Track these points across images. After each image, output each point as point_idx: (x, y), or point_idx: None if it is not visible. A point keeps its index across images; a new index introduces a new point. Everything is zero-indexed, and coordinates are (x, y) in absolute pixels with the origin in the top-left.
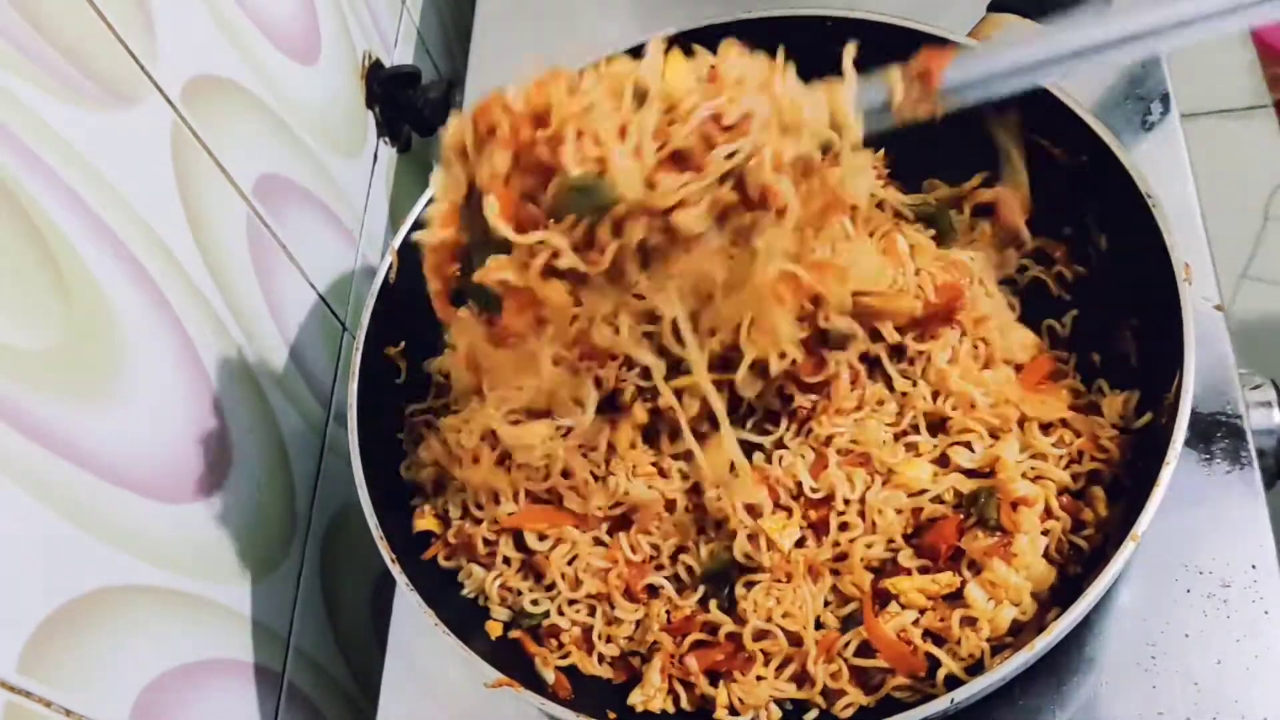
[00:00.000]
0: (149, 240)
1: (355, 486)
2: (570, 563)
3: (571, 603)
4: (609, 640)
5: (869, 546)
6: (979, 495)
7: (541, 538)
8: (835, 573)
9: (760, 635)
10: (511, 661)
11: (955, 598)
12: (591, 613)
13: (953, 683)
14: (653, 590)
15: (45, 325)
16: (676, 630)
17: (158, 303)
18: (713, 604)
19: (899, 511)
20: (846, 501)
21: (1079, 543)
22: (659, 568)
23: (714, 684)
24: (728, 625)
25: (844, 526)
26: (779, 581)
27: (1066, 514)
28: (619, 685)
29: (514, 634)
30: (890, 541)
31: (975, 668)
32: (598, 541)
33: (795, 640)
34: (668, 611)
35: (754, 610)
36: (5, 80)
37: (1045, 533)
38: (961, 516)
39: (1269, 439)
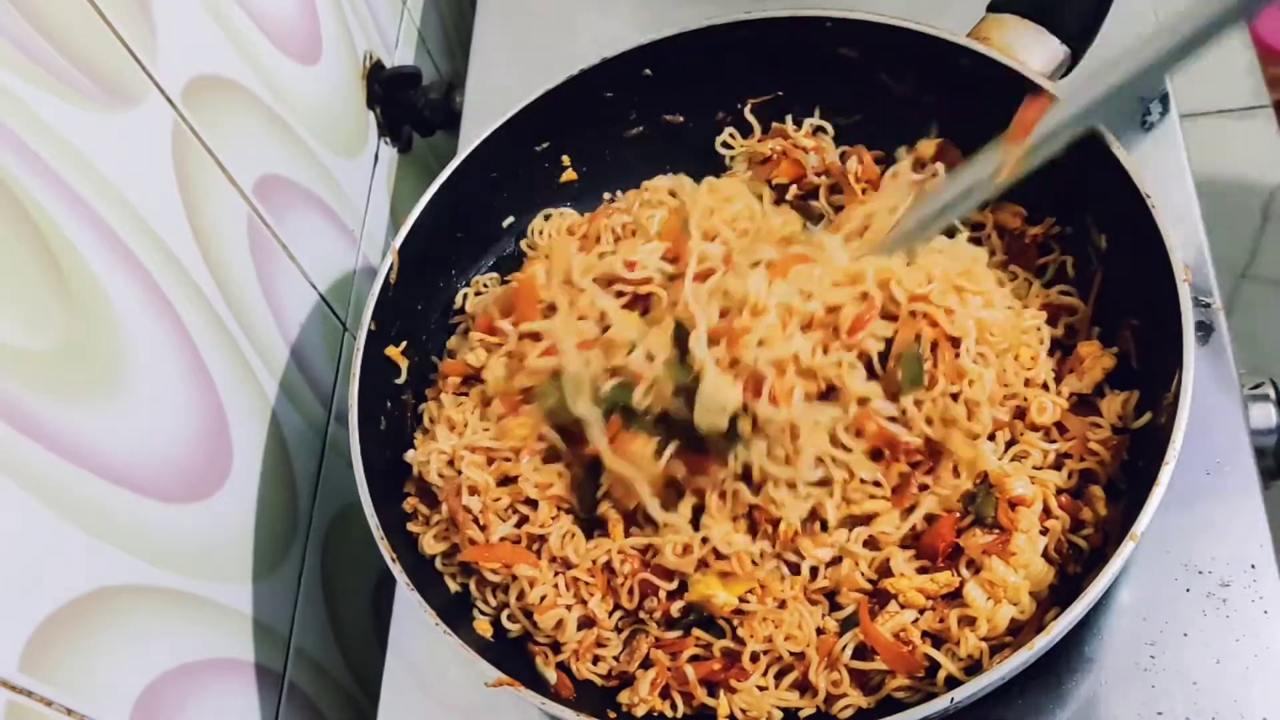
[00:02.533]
0: (150, 240)
1: (356, 486)
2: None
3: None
4: (597, 661)
5: (860, 566)
6: (976, 494)
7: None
8: (832, 593)
9: (758, 655)
10: (512, 661)
11: (954, 597)
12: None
13: (952, 682)
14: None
15: (46, 325)
16: (670, 648)
17: (159, 303)
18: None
19: (884, 536)
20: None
21: (1078, 542)
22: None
23: (712, 694)
24: (723, 642)
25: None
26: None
27: (1066, 513)
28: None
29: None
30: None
31: (974, 668)
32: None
33: (797, 654)
34: (656, 639)
35: (751, 637)
36: (6, 80)
37: (1044, 532)
38: (959, 515)
39: (1268, 439)
